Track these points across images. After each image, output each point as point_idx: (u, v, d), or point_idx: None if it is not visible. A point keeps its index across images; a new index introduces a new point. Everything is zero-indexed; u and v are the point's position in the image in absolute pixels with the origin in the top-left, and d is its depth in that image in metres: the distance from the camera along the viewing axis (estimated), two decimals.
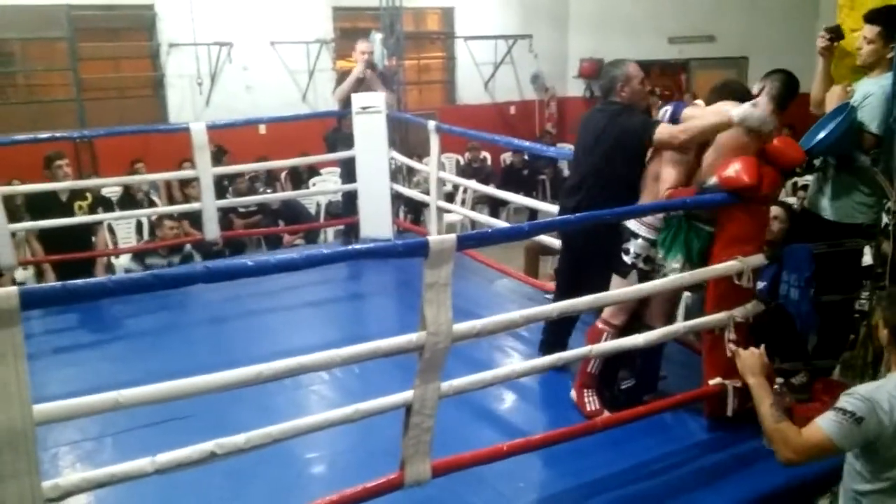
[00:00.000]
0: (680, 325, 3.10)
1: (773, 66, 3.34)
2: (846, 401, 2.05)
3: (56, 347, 4.18)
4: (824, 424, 2.04)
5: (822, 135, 3.04)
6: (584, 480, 2.87)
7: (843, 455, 2.17)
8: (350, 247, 2.34)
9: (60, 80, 8.75)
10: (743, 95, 3.12)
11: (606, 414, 3.21)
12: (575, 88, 11.96)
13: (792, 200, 6.94)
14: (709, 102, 3.20)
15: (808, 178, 3.85)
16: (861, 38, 3.19)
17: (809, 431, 2.08)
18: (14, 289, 1.74)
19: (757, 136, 2.95)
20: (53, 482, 1.95)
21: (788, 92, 3.15)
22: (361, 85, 5.69)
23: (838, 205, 3.23)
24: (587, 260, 3.45)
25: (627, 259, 3.17)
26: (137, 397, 2.04)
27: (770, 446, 2.19)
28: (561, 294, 3.52)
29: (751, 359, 2.36)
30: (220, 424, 2.21)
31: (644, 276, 3.13)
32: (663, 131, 3.11)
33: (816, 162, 3.42)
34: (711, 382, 3.10)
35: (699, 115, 3.12)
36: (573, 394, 3.36)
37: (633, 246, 3.15)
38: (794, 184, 8.08)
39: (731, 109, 2.95)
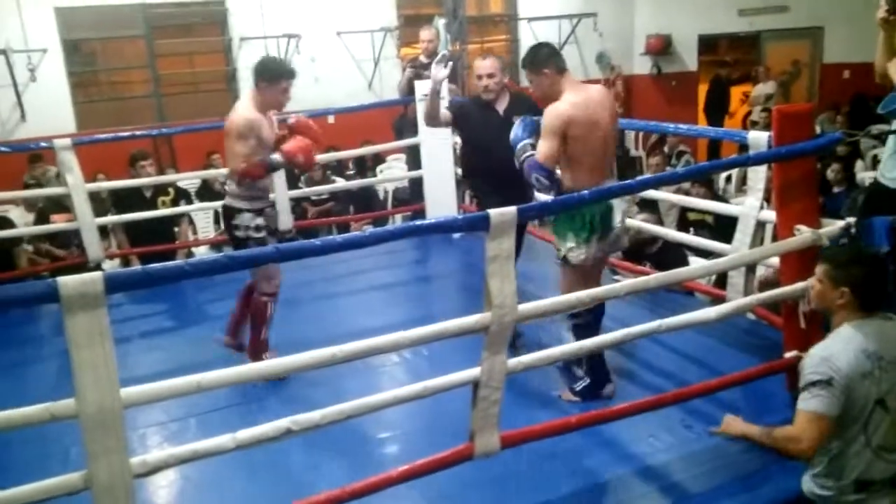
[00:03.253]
0: (753, 297, 3.04)
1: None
2: (806, 376, 2.19)
3: (142, 332, 4.39)
4: (804, 406, 2.17)
5: None
6: (654, 462, 2.86)
7: None
8: (412, 222, 2.38)
9: (139, 77, 9.09)
10: None
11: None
12: (642, 66, 11.72)
13: (872, 174, 6.67)
14: None
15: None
16: None
17: (798, 419, 2.20)
18: (98, 273, 1.82)
19: None
20: (141, 458, 2.04)
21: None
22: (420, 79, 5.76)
23: None
24: None
25: (239, 234, 3.60)
26: (218, 380, 2.13)
27: (786, 455, 2.34)
28: None
29: (733, 424, 2.58)
30: (296, 406, 2.29)
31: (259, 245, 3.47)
32: None
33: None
34: (787, 355, 3.04)
35: None
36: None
37: (240, 220, 3.59)
38: (874, 157, 7.76)
39: None
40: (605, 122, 3.11)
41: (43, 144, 5.31)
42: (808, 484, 2.38)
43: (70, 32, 8.46)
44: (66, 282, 1.79)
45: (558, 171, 3.22)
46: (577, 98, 3.06)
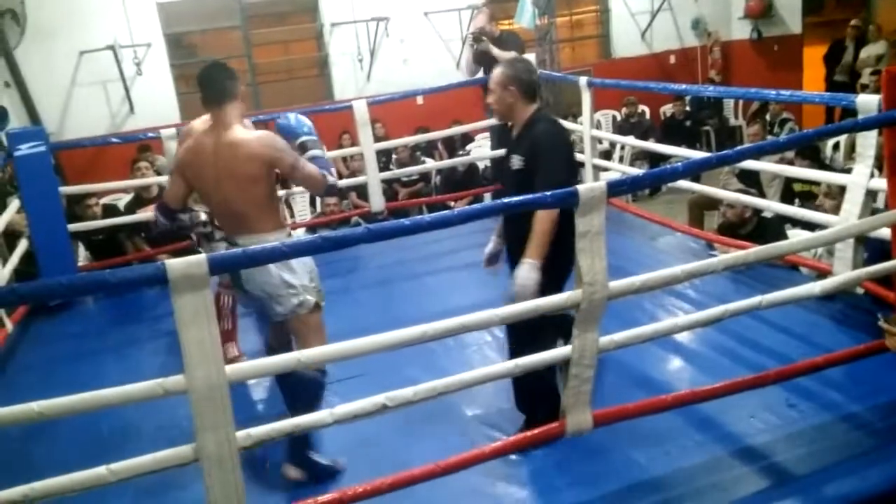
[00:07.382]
0: (861, 271, 2.89)
1: None
2: None
3: (241, 313, 4.58)
4: None
5: None
6: (754, 443, 2.77)
7: None
8: (500, 200, 2.38)
9: (236, 66, 9.33)
10: None
11: None
12: (741, 31, 11.19)
13: None
14: None
15: None
16: None
17: None
18: (203, 256, 1.93)
19: None
20: (246, 432, 2.13)
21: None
22: (484, 58, 5.79)
23: None
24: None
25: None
26: (316, 356, 2.23)
27: None
28: None
29: None
30: (391, 383, 2.34)
31: None
32: None
33: None
34: None
35: None
36: None
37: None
38: None
39: None
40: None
41: (150, 135, 5.59)
42: None
43: (172, 26, 8.83)
44: (173, 264, 1.90)
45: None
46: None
